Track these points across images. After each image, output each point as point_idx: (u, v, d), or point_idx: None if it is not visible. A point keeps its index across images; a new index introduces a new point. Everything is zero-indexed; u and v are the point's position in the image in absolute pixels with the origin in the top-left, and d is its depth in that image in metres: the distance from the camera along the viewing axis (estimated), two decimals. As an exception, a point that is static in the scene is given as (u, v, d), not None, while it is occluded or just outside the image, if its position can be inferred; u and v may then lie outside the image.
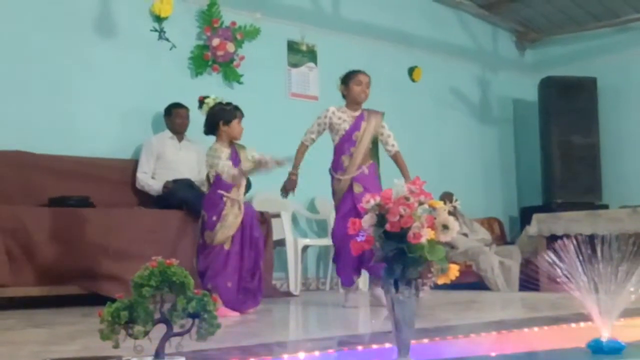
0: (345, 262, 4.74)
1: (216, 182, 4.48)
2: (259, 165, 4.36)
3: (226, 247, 4.43)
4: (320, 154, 5.43)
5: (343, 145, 4.88)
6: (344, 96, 4.99)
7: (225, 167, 4.38)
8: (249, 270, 4.47)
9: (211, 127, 4.54)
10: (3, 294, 4.77)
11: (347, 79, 4.95)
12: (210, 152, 4.50)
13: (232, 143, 4.55)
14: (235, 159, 4.50)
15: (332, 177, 4.93)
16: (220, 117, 4.49)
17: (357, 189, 4.78)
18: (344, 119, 4.91)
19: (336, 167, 4.91)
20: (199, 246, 4.52)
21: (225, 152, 4.46)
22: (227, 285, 4.36)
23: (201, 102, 4.58)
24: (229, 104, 4.58)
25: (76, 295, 5.06)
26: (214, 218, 4.42)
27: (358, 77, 4.93)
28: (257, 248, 4.51)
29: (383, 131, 4.97)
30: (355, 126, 4.89)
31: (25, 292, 4.91)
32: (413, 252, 1.95)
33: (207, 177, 4.61)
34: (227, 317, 4.14)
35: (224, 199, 4.45)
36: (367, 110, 4.97)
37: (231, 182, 4.42)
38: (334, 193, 4.92)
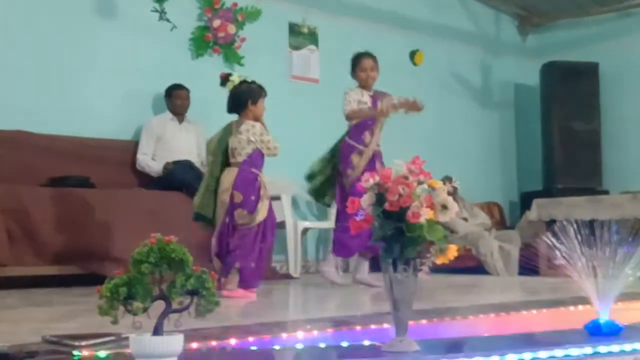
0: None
1: (249, 160, 4.43)
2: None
3: (255, 228, 4.38)
4: (320, 137, 5.43)
5: (367, 122, 4.99)
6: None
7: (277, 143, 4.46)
8: (268, 252, 4.51)
9: (238, 106, 4.49)
10: (3, 273, 4.78)
11: (353, 66, 5.06)
12: (252, 129, 4.42)
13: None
14: None
15: (352, 151, 4.95)
16: (249, 96, 4.47)
17: (379, 167, 4.86)
18: (365, 98, 5.02)
19: (358, 140, 4.99)
20: (225, 227, 4.38)
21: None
22: (251, 266, 4.33)
23: (224, 78, 4.52)
24: (253, 82, 4.54)
25: (76, 275, 5.07)
26: (253, 197, 4.37)
27: (362, 63, 5.03)
28: (272, 228, 4.51)
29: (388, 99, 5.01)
30: (374, 105, 4.99)
31: (25, 271, 4.92)
32: (412, 231, 1.95)
33: (226, 153, 4.49)
34: (246, 298, 4.18)
35: (259, 178, 4.44)
36: (376, 92, 5.07)
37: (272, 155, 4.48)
38: (351, 168, 4.93)
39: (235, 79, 4.51)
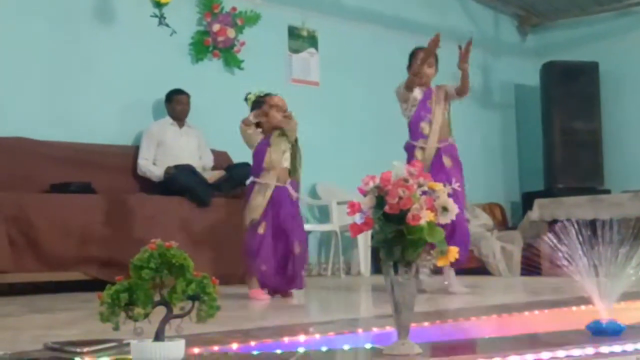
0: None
1: (251, 170, 4.68)
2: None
3: (260, 231, 4.49)
4: (320, 140, 5.44)
5: (419, 113, 4.77)
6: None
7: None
8: (283, 255, 4.53)
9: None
10: (4, 280, 4.79)
11: (411, 60, 4.96)
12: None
13: (271, 131, 4.62)
14: (265, 145, 4.59)
15: (413, 149, 4.72)
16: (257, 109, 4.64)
17: (447, 162, 4.72)
18: (416, 93, 4.82)
19: (416, 136, 4.75)
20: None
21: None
22: (261, 269, 4.46)
23: (245, 98, 4.77)
24: (267, 94, 4.69)
25: (77, 281, 5.07)
26: (245, 202, 4.61)
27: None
28: (285, 229, 4.53)
29: (447, 87, 4.90)
30: (428, 95, 4.82)
31: (26, 278, 4.93)
32: (412, 234, 1.95)
33: None
34: (256, 299, 4.36)
35: (255, 184, 4.57)
36: (434, 87, 4.92)
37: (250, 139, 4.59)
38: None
39: (252, 96, 4.72)
